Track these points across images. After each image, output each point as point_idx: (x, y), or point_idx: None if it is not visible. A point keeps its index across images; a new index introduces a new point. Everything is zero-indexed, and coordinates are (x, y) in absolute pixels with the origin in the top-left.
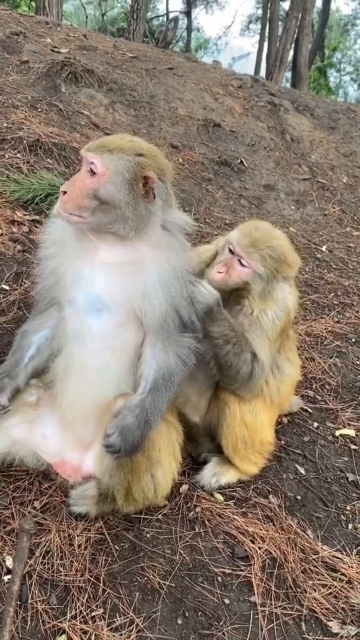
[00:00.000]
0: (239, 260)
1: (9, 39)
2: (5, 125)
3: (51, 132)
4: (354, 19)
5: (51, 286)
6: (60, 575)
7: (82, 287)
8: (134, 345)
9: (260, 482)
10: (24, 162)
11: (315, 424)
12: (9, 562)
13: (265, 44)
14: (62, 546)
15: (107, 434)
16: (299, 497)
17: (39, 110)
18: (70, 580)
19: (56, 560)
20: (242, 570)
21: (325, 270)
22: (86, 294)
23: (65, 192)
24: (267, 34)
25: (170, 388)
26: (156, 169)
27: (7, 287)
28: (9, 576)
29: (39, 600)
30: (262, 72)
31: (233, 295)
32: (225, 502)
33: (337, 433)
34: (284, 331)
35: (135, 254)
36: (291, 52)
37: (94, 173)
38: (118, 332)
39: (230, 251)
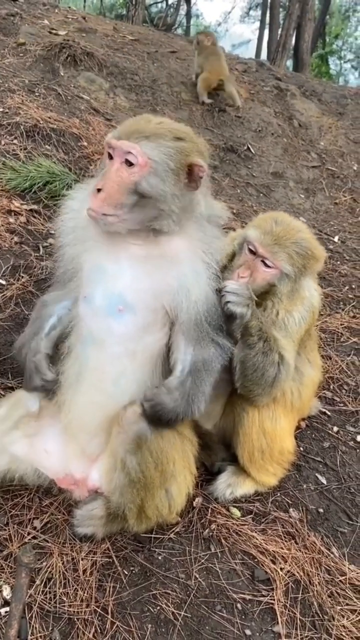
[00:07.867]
0: (263, 261)
1: (5, 20)
2: (1, 110)
3: (49, 117)
4: (355, 5)
5: (71, 272)
6: (64, 606)
7: (102, 282)
8: (157, 350)
9: (279, 494)
10: (21, 149)
11: (335, 428)
12: (6, 592)
13: (266, 31)
14: (65, 572)
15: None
16: (321, 510)
17: (37, 94)
18: (74, 611)
19: (59, 588)
20: (263, 596)
21: (339, 262)
22: (107, 291)
23: (100, 190)
24: (267, 21)
25: (211, 373)
26: (199, 153)
27: (3, 282)
28: (7, 609)
29: (41, 636)
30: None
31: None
32: (242, 518)
33: (359, 438)
34: (306, 332)
35: (168, 247)
36: (292, 39)
37: (131, 164)
38: (141, 336)
39: (251, 251)
